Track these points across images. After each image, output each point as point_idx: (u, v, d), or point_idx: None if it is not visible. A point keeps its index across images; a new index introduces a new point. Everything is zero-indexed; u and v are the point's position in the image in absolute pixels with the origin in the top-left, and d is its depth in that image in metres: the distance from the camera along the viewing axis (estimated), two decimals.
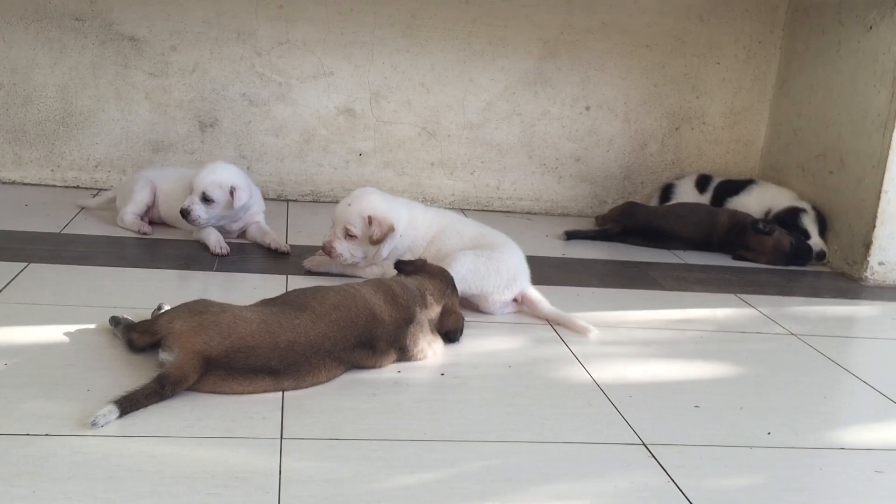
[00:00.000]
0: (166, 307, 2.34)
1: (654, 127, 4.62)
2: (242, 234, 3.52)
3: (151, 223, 3.58)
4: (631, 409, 2.22)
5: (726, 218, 4.06)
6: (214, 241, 3.29)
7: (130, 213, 3.51)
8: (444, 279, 2.58)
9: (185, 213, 3.25)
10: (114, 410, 1.89)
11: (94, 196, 3.94)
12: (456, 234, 3.00)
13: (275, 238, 3.39)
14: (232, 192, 3.27)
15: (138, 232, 3.47)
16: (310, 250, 3.45)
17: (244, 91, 4.26)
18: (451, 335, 2.54)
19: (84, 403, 1.94)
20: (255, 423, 1.96)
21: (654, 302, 3.19)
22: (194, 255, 3.26)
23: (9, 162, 4.19)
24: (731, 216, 4.07)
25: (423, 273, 2.57)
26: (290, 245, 3.48)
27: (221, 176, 3.27)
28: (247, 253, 3.35)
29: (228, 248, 3.30)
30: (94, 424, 1.86)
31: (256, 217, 3.48)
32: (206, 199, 3.25)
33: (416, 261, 2.67)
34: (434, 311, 2.47)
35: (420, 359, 2.40)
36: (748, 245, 3.94)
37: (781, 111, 4.54)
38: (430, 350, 2.43)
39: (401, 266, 2.64)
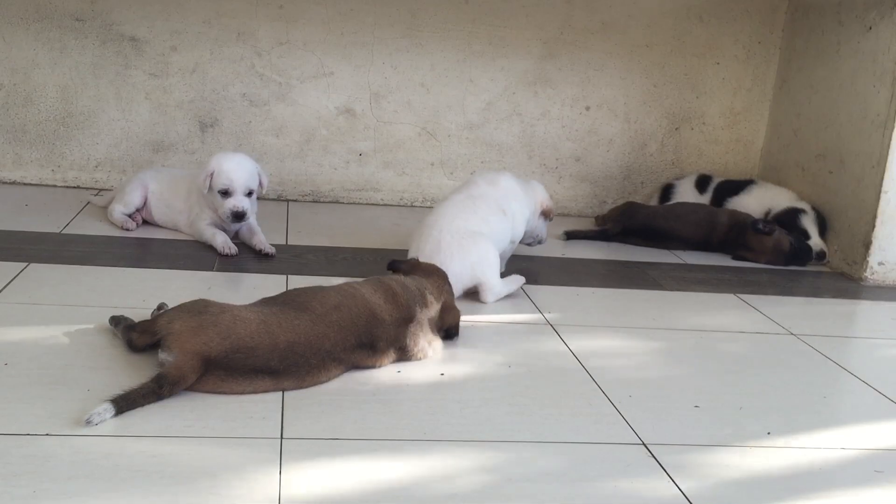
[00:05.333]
0: (166, 307, 2.34)
1: (653, 127, 4.62)
2: (235, 234, 3.50)
3: (146, 223, 3.59)
4: (631, 409, 2.22)
5: (726, 218, 4.06)
6: (221, 242, 3.29)
7: (118, 211, 3.54)
8: (440, 276, 2.59)
9: (241, 216, 3.24)
10: (109, 409, 1.89)
11: (97, 195, 3.96)
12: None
13: (261, 239, 3.36)
14: (259, 176, 3.32)
15: (122, 227, 3.50)
16: (310, 250, 3.46)
17: (244, 91, 4.26)
18: (450, 331, 2.55)
19: (84, 403, 1.94)
20: (255, 423, 1.96)
21: (654, 302, 3.19)
22: (194, 255, 3.26)
23: (9, 162, 4.19)
24: (730, 216, 4.07)
25: (419, 271, 2.58)
26: (290, 245, 3.48)
27: (249, 164, 3.30)
28: (246, 253, 3.34)
29: (236, 248, 3.30)
30: (88, 423, 1.85)
31: (249, 217, 3.46)
32: (248, 193, 3.27)
33: (410, 260, 2.68)
34: (434, 308, 2.48)
35: (420, 358, 2.40)
36: (748, 245, 3.94)
37: (781, 111, 4.54)
38: (430, 349, 2.43)
39: (395, 265, 2.64)
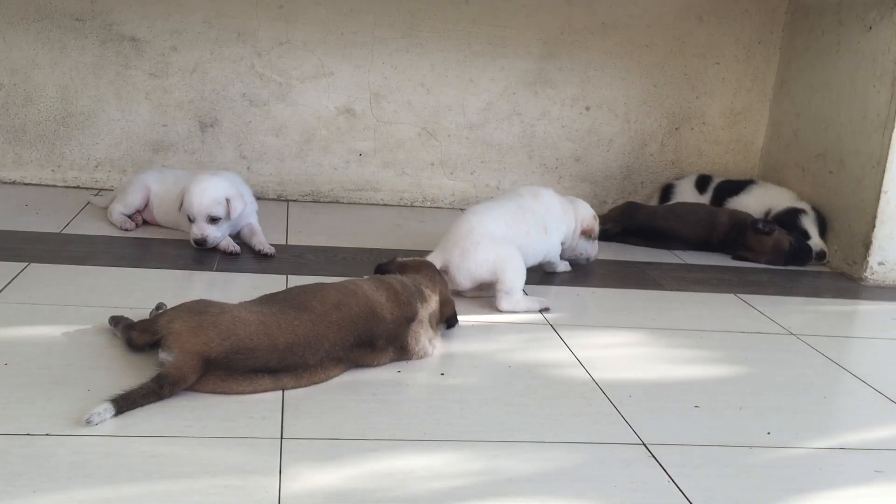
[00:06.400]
0: (166, 306, 2.34)
1: (653, 127, 4.62)
2: (236, 234, 3.50)
3: (146, 224, 3.60)
4: (631, 409, 2.22)
5: (726, 218, 4.06)
6: (223, 242, 3.30)
7: (118, 211, 3.55)
8: (430, 269, 2.60)
9: (201, 243, 3.22)
10: (109, 409, 1.89)
11: (97, 195, 3.96)
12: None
13: (261, 240, 3.36)
14: (227, 203, 3.25)
15: (120, 228, 3.50)
16: (310, 250, 3.46)
17: (244, 91, 4.26)
18: (451, 320, 2.58)
19: (84, 403, 1.94)
20: (255, 423, 1.96)
21: (654, 302, 3.19)
22: (194, 255, 3.26)
23: (9, 162, 4.19)
24: (730, 216, 4.07)
25: (409, 268, 2.58)
26: (290, 245, 3.48)
27: (215, 192, 3.23)
28: (246, 253, 3.35)
29: (238, 247, 3.30)
30: (88, 422, 1.85)
31: (249, 218, 3.46)
32: (212, 220, 3.24)
33: (394, 260, 2.67)
34: (433, 302, 2.48)
35: (421, 356, 2.40)
36: (748, 245, 3.94)
37: (781, 111, 4.54)
38: (431, 347, 2.43)
39: (383, 268, 2.63)
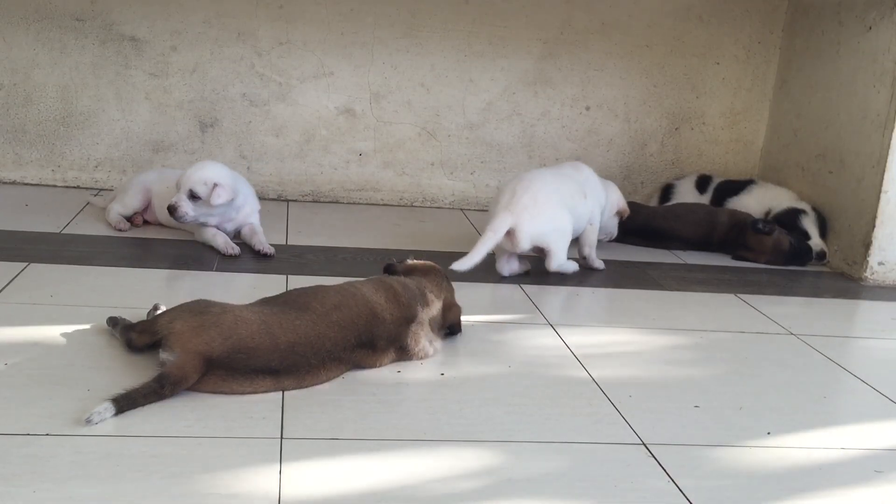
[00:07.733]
0: (162, 307, 2.34)
1: (653, 127, 4.62)
2: (237, 234, 3.50)
3: (147, 224, 3.61)
4: (631, 409, 2.22)
5: (726, 218, 4.06)
6: (223, 243, 3.30)
7: (115, 211, 3.56)
8: (437, 274, 2.60)
9: (171, 210, 3.26)
10: (110, 408, 1.89)
11: (97, 195, 3.96)
12: None
13: (260, 240, 3.37)
14: (213, 188, 3.25)
15: (115, 228, 3.51)
16: (310, 250, 3.46)
17: (244, 91, 4.26)
18: (454, 327, 2.57)
19: (84, 403, 1.94)
20: (255, 423, 1.96)
21: (654, 302, 3.19)
22: (194, 255, 3.26)
23: (9, 162, 4.19)
24: (730, 216, 4.07)
25: (416, 271, 2.58)
26: (290, 245, 3.48)
27: (207, 173, 3.28)
28: (246, 253, 3.35)
29: (238, 248, 3.30)
30: (88, 422, 1.85)
31: (250, 218, 3.46)
32: (193, 196, 3.26)
33: (404, 261, 2.67)
34: (436, 307, 2.48)
35: (421, 358, 2.40)
36: (748, 245, 3.94)
37: (781, 111, 4.54)
38: (432, 349, 2.43)
39: (391, 268, 2.63)
